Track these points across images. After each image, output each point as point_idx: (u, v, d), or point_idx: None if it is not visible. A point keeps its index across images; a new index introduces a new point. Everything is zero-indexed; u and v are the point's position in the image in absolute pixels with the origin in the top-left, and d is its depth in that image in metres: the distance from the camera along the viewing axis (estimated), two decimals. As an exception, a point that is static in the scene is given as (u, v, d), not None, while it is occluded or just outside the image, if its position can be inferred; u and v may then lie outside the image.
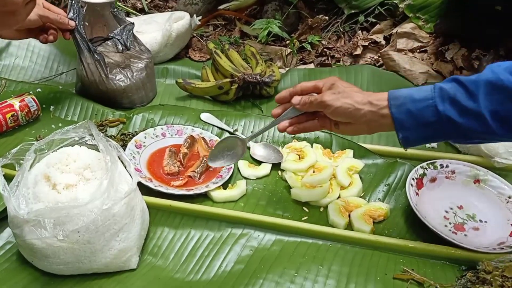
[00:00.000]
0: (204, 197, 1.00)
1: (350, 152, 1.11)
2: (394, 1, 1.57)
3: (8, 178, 0.82)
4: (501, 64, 0.71)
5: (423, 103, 0.73)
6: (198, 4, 1.67)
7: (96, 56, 1.19)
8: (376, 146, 1.15)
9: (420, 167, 1.01)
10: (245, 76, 1.32)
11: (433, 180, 1.01)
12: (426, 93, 0.73)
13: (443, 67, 1.46)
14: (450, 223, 0.95)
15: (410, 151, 1.11)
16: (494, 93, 0.69)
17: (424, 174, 1.01)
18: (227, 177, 1.03)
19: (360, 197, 1.02)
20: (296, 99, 0.85)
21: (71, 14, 1.14)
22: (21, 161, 0.84)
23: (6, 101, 1.13)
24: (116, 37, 1.24)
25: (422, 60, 1.49)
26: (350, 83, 0.84)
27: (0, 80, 1.28)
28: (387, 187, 1.04)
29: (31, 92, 1.19)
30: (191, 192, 0.98)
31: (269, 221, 0.93)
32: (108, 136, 1.13)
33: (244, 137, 0.97)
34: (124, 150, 1.05)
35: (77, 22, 1.14)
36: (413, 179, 0.98)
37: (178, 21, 1.50)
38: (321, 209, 0.99)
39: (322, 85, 0.84)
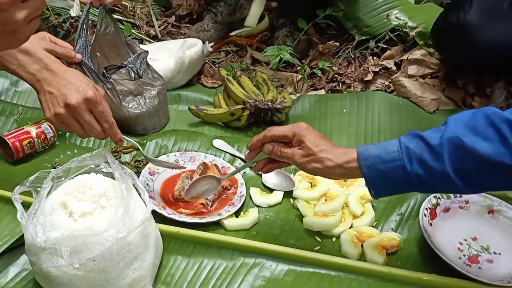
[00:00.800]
0: (216, 225, 1.01)
1: (362, 180, 1.10)
2: (405, 30, 1.59)
3: (26, 206, 0.82)
4: (461, 118, 0.75)
5: (392, 164, 0.77)
6: (210, 31, 1.71)
7: (107, 85, 1.22)
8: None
9: (434, 196, 1.01)
10: (257, 103, 1.34)
11: (446, 210, 1.01)
12: (394, 154, 0.77)
13: (455, 94, 1.47)
14: (464, 255, 0.94)
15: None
16: (456, 152, 0.72)
17: (437, 204, 1.00)
18: (239, 205, 1.04)
19: (373, 226, 1.02)
20: (268, 148, 0.87)
21: (78, 47, 1.17)
22: (39, 189, 0.86)
23: (23, 128, 1.15)
24: (130, 65, 1.27)
25: (434, 86, 1.50)
26: (319, 134, 0.85)
27: (17, 107, 1.31)
28: (400, 216, 1.04)
29: None
30: (203, 220, 0.99)
31: (282, 250, 0.93)
32: (122, 163, 1.15)
33: (220, 176, 1.02)
34: (138, 177, 1.06)
35: (84, 54, 1.17)
36: (426, 209, 0.98)
37: (191, 48, 1.53)
38: (334, 239, 0.99)
39: (292, 136, 0.85)
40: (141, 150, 1.07)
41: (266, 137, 0.87)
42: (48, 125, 1.18)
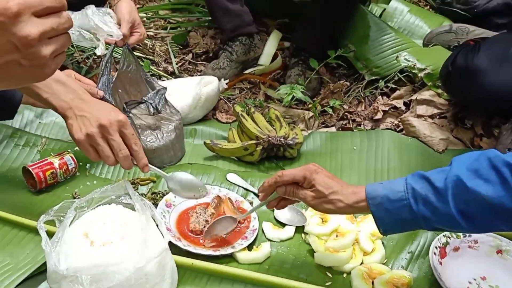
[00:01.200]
0: (229, 257, 1.03)
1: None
2: (413, 71, 1.64)
3: (49, 234, 0.86)
4: (465, 160, 0.78)
5: (399, 203, 0.80)
6: (226, 68, 1.77)
7: None
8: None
9: (443, 235, 1.03)
10: (270, 138, 1.38)
11: (456, 249, 1.03)
12: (400, 194, 0.80)
13: (463, 134, 1.50)
14: (474, 295, 0.95)
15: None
16: (460, 195, 0.76)
17: (447, 243, 1.02)
18: (252, 238, 1.06)
19: (383, 263, 1.03)
20: (281, 191, 0.91)
21: (100, 84, 1.23)
22: (62, 218, 0.89)
23: (47, 159, 1.20)
24: (149, 101, 1.33)
25: (442, 126, 1.54)
26: (329, 174, 0.89)
27: (40, 138, 1.37)
28: (410, 254, 1.05)
29: (69, 150, 1.27)
30: (217, 253, 1.01)
31: (293, 285, 0.95)
32: (139, 194, 1.19)
33: (236, 216, 1.06)
34: (156, 208, 1.09)
35: (105, 91, 1.23)
36: (436, 247, 1.00)
37: (208, 85, 1.59)
38: (345, 275, 1.00)
39: (303, 180, 0.88)
40: (165, 175, 1.04)
41: (278, 182, 0.91)
42: (71, 156, 1.23)
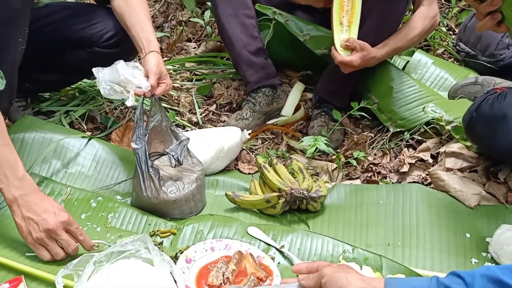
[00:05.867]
0: (250, 318, 0.98)
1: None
2: (441, 123, 1.61)
3: (65, 289, 0.84)
4: (496, 265, 0.77)
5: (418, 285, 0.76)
6: (249, 119, 1.78)
7: (152, 173, 1.28)
8: (429, 272, 1.11)
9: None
10: (293, 191, 1.35)
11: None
12: (422, 282, 0.76)
13: (496, 189, 1.44)
14: None
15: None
16: (489, 285, 0.72)
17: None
18: (275, 298, 1.02)
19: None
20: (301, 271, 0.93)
21: (134, 137, 1.26)
22: (80, 272, 0.88)
23: None
24: (171, 153, 1.33)
25: (473, 180, 1.48)
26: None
27: (65, 187, 1.38)
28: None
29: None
30: (238, 313, 0.97)
31: None
32: (158, 245, 1.16)
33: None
34: (175, 263, 1.06)
35: (140, 143, 1.26)
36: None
37: (231, 136, 1.59)
38: None
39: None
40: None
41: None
42: None
